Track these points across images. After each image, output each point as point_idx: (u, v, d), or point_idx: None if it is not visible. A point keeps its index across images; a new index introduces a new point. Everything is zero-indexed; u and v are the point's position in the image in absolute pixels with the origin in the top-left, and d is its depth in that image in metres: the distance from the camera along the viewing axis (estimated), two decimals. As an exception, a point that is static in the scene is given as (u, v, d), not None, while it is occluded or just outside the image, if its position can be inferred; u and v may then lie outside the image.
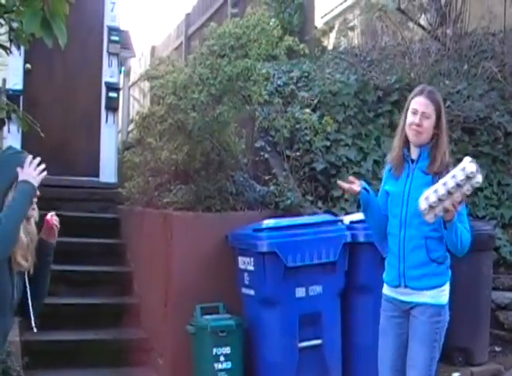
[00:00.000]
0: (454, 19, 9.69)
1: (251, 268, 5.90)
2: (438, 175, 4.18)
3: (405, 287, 4.29)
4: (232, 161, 6.99)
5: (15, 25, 5.16)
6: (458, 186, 3.95)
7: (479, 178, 3.97)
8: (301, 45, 7.12)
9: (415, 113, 4.29)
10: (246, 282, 6.01)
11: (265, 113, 7.30)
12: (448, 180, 3.99)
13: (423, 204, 4.04)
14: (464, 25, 9.76)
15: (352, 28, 11.51)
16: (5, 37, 5.45)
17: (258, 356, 5.93)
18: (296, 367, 5.78)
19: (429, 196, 4.03)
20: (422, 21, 10.19)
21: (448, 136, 4.39)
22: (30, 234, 3.61)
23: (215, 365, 5.81)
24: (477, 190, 7.76)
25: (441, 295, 4.25)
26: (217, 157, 6.90)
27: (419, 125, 4.26)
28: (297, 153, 7.34)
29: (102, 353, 6.44)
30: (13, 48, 5.58)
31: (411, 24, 10.28)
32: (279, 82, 8.15)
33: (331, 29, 12.00)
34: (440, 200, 3.97)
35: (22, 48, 5.86)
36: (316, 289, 5.88)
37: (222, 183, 6.73)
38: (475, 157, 7.74)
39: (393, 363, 4.36)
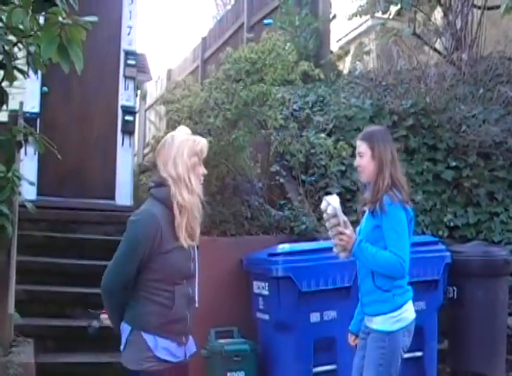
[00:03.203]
0: (470, 43, 9.72)
1: (266, 292, 5.89)
2: (372, 209, 4.38)
3: (364, 313, 4.46)
4: (248, 186, 7.00)
5: (32, 49, 5.20)
6: (327, 221, 4.37)
7: (328, 210, 4.33)
8: (316, 70, 7.16)
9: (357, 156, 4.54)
10: (261, 306, 6.00)
11: (280, 138, 7.32)
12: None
13: None
14: (480, 49, 9.78)
15: (368, 52, 11.55)
16: (22, 61, 5.50)
17: (272, 381, 5.91)
18: (310, 393, 5.76)
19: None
20: (437, 45, 10.22)
21: (391, 165, 4.40)
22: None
23: (229, 389, 5.81)
24: (492, 215, 7.73)
25: (388, 322, 4.25)
26: (232, 181, 6.92)
27: (358, 165, 4.53)
28: (313, 178, 7.34)
29: (118, 376, 6.43)
30: (30, 72, 5.62)
31: (426, 48, 10.30)
32: (294, 107, 8.17)
33: (347, 53, 12.08)
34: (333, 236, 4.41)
35: (39, 71, 5.90)
36: (331, 314, 5.86)
37: (237, 207, 6.74)
38: (491, 182, 7.84)
39: None
